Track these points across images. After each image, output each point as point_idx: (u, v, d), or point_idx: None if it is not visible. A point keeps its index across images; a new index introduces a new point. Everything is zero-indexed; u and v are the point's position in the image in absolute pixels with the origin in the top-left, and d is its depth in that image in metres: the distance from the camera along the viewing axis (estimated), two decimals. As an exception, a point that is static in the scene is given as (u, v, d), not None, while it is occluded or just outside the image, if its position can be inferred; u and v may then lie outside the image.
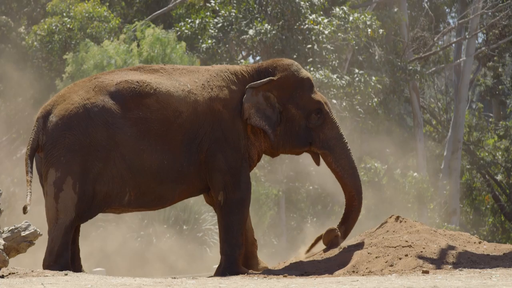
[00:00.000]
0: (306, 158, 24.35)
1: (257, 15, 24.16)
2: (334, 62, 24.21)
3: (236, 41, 24.01)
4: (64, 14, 24.17)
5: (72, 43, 23.76)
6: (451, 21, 32.15)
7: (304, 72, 9.10)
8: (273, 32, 23.43)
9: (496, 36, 29.46)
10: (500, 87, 32.72)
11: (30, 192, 8.32)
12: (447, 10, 31.94)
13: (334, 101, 23.69)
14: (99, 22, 23.96)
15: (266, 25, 23.53)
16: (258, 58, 25.83)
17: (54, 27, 24.00)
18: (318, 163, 9.20)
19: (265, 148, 9.04)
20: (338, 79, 23.69)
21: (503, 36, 29.42)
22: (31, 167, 8.45)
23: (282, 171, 24.47)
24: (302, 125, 9.01)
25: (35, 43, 24.14)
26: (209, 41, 23.96)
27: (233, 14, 23.98)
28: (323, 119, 9.06)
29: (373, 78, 24.51)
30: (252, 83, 8.89)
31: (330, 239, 9.17)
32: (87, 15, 23.95)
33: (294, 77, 9.01)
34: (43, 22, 24.28)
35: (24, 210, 8.19)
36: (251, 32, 23.45)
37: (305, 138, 9.03)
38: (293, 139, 9.02)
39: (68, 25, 23.97)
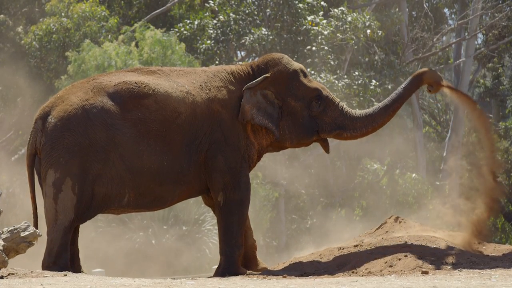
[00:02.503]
0: (305, 158, 24.39)
1: (255, 17, 24.13)
2: (332, 63, 24.18)
3: (235, 42, 23.99)
4: (63, 14, 24.16)
5: (71, 43, 23.74)
6: (450, 21, 32.13)
7: (296, 63, 9.11)
8: (271, 37, 23.41)
9: (496, 37, 29.44)
10: (500, 87, 32.71)
11: (36, 218, 8.45)
12: (447, 12, 31.91)
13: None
14: (95, 21, 23.93)
15: (263, 29, 23.49)
16: (257, 59, 25.79)
17: (52, 27, 23.99)
18: (327, 151, 9.15)
19: (268, 144, 9.03)
20: (336, 81, 23.67)
21: (503, 37, 29.40)
22: (33, 180, 8.48)
23: (282, 172, 24.45)
24: (305, 115, 9.00)
25: (33, 42, 24.13)
26: (208, 41, 23.94)
27: (232, 17, 23.94)
28: (325, 104, 9.05)
29: (373, 81, 24.49)
30: (248, 84, 8.90)
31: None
32: (83, 15, 23.93)
33: (286, 70, 9.01)
34: (41, 22, 24.27)
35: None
36: (249, 39, 23.42)
37: (311, 127, 9.02)
38: (299, 130, 9.00)
39: (67, 25, 23.95)
